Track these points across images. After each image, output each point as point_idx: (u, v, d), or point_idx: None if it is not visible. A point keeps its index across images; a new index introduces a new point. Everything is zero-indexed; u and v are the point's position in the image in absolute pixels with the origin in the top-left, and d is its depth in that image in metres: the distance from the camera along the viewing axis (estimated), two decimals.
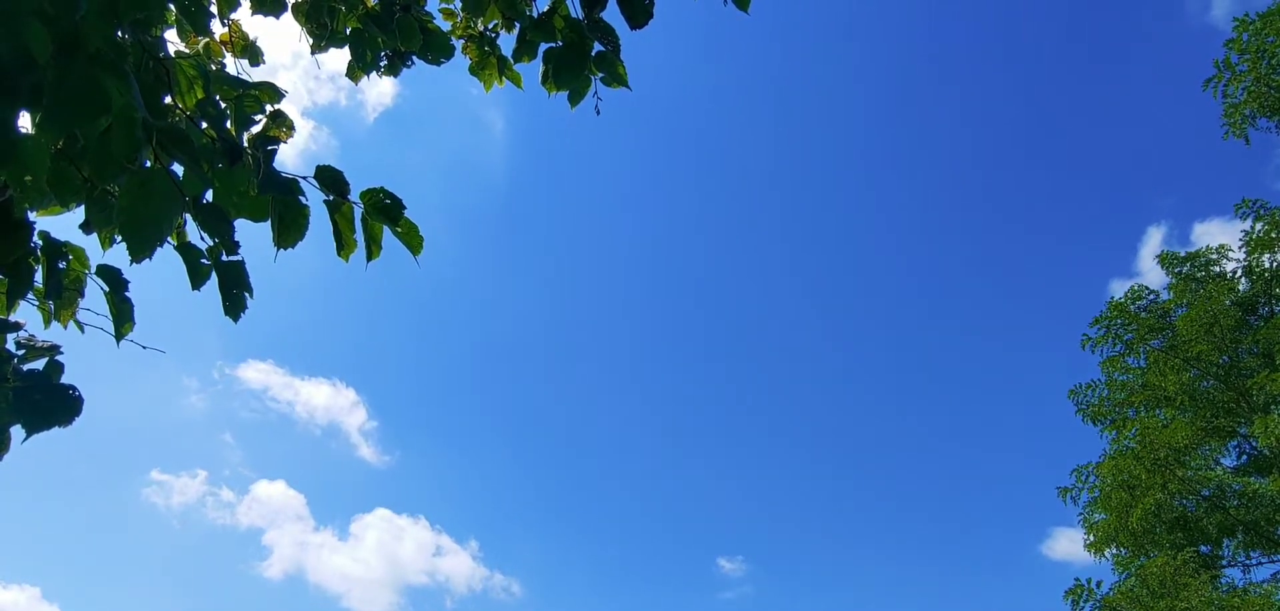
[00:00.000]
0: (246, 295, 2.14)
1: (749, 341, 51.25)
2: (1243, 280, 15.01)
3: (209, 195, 2.14)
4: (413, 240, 2.15)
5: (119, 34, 1.91)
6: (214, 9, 2.96)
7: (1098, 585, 15.03)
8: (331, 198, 2.08)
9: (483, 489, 50.52)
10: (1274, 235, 14.01)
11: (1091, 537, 15.31)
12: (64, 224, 2.44)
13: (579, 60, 2.50)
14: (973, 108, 45.82)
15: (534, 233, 49.47)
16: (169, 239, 2.35)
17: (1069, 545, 35.95)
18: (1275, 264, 14.45)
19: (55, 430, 2.03)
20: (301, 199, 2.00)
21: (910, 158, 47.53)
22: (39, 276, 2.41)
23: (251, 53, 3.32)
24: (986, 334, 47.60)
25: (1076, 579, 15.29)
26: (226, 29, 3.24)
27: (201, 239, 2.11)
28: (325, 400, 45.48)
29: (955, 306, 48.43)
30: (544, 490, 50.88)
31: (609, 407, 51.60)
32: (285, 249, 2.01)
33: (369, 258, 2.15)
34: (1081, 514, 16.06)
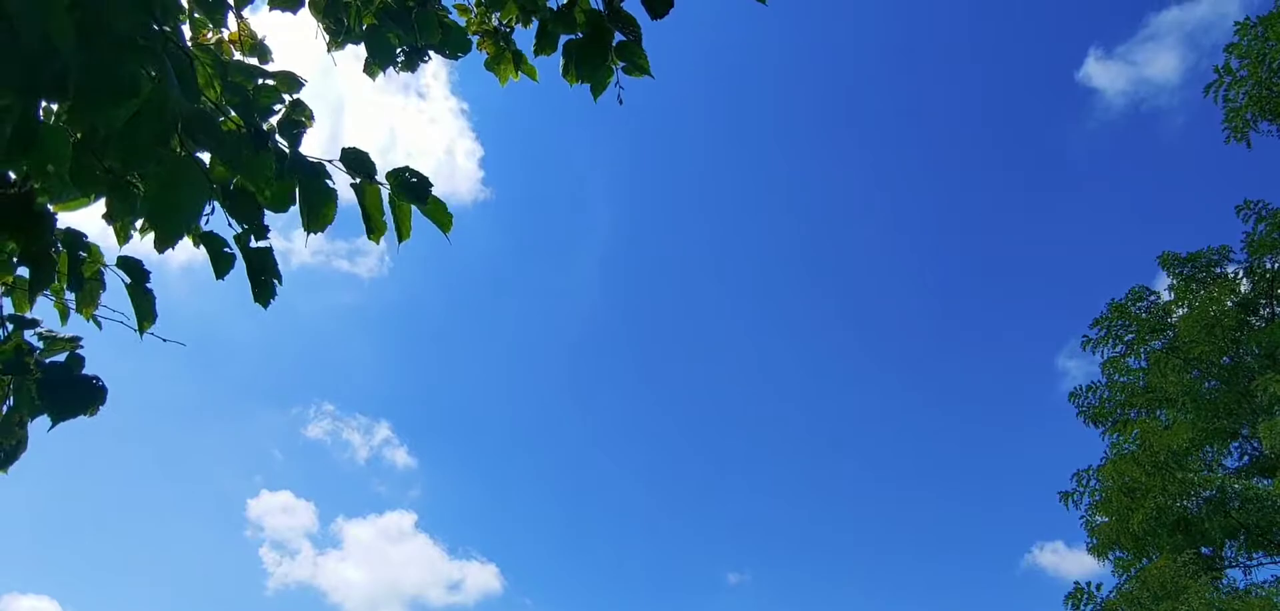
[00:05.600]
0: (275, 282, 2.12)
1: (751, 356, 51.21)
2: (1244, 281, 15.04)
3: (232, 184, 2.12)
4: (441, 218, 2.13)
5: (154, 25, 1.90)
6: (231, 1, 2.95)
7: (1097, 588, 15.03)
8: (358, 180, 2.06)
9: (497, 505, 50.28)
10: (1275, 237, 14.04)
11: (1093, 541, 15.28)
12: (80, 219, 2.42)
13: (601, 51, 2.49)
14: (969, 110, 45.97)
15: (540, 244, 49.52)
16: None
17: (1053, 556, 36.04)
18: (1276, 265, 14.48)
19: (79, 435, 2.02)
20: (329, 182, 1.99)
21: (905, 171, 47.64)
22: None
23: (260, 51, 3.29)
24: (984, 338, 47.72)
25: (1076, 582, 15.25)
26: (236, 27, 3.22)
27: (229, 224, 2.09)
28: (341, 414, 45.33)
29: (951, 312, 48.55)
30: (557, 505, 50.64)
31: (614, 419, 51.49)
32: (315, 233, 2.00)
33: (400, 239, 2.12)
34: (1083, 517, 16.04)
